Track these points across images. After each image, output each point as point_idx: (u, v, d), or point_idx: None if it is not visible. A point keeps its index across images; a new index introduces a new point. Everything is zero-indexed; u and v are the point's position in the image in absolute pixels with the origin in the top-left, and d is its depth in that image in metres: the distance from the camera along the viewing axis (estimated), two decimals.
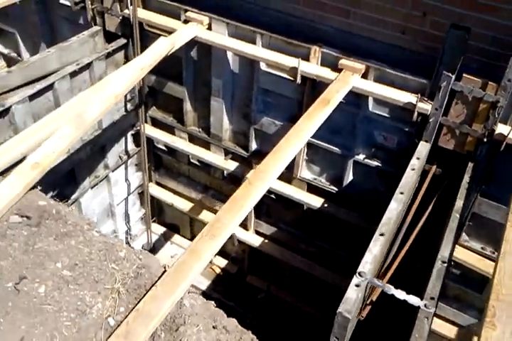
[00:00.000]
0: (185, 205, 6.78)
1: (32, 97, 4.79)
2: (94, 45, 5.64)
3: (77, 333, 2.53)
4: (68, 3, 5.70)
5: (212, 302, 3.15)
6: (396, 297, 3.05)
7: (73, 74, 5.19)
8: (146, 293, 2.78)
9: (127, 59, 5.82)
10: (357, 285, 3.13)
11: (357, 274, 3.20)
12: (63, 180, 5.41)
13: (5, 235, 2.83)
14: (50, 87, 4.97)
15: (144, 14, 5.31)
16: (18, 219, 2.90)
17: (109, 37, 5.75)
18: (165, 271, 2.94)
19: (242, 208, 3.23)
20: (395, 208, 3.74)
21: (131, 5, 5.26)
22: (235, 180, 6.16)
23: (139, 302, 2.72)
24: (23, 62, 5.18)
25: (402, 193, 3.87)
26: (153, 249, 7.15)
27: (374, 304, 3.45)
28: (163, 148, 6.56)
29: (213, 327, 2.77)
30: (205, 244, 2.99)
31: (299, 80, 4.68)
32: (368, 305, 3.39)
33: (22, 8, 6.02)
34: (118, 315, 2.66)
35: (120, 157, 6.32)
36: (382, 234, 3.50)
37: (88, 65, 5.33)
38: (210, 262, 7.14)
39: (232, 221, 3.15)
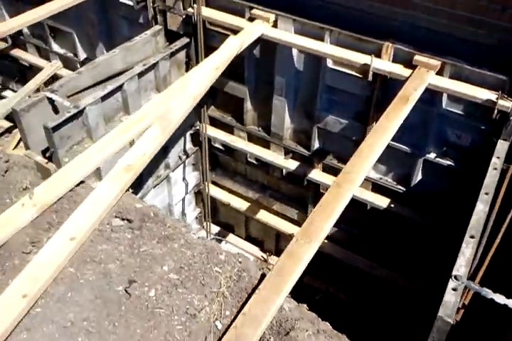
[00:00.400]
0: (241, 204, 6.78)
1: (103, 98, 4.83)
2: (155, 45, 5.66)
3: (189, 337, 2.53)
4: (129, 3, 5.72)
5: (305, 305, 3.13)
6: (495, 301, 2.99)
7: (140, 75, 5.21)
8: (249, 296, 2.77)
9: (189, 58, 5.83)
10: (454, 289, 3.08)
11: (453, 278, 3.15)
12: None
13: (109, 238, 2.85)
14: (119, 87, 5.00)
15: (207, 12, 5.28)
16: (120, 222, 2.92)
17: (170, 36, 5.76)
18: (263, 274, 2.93)
19: (334, 210, 3.20)
20: (481, 209, 3.66)
21: (194, 3, 5.25)
22: (295, 179, 6.13)
23: (243, 305, 2.71)
24: (91, 63, 5.21)
25: (487, 194, 3.79)
26: None
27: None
28: (220, 147, 6.56)
29: (317, 331, 2.74)
30: (301, 247, 2.97)
31: (370, 77, 4.62)
32: (460, 308, 3.32)
33: (80, 8, 6.06)
34: (224, 319, 2.66)
35: (180, 157, 6.35)
36: (472, 237, 3.43)
37: (154, 65, 5.34)
38: (266, 261, 7.14)
39: (325, 223, 3.12)
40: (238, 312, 2.68)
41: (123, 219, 2.95)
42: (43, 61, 7.34)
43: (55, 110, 4.81)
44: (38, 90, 6.82)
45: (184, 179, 6.67)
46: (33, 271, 2.63)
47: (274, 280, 2.81)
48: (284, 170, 6.17)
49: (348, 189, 3.32)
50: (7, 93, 8.08)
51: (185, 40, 5.60)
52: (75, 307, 2.58)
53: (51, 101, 4.73)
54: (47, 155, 4.48)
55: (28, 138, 4.66)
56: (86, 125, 4.73)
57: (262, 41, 5.18)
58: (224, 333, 2.57)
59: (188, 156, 6.48)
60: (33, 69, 7.40)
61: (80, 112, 4.61)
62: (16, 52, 7.51)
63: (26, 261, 2.78)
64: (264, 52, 5.39)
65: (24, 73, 7.76)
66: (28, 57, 7.46)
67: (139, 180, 5.70)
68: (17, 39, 7.38)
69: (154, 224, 2.97)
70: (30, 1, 6.27)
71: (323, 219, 3.13)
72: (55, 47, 7.16)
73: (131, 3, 5.69)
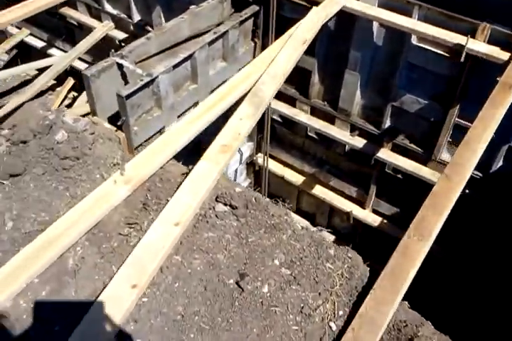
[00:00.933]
0: (296, 178, 6.60)
1: (174, 66, 4.57)
2: (221, 12, 5.34)
3: (304, 338, 2.38)
4: None
5: (406, 302, 2.95)
6: None
7: (209, 43, 4.93)
8: (360, 295, 2.59)
9: (256, 27, 5.51)
10: None
11: None
12: (190, 152, 5.26)
13: (215, 225, 2.67)
14: (190, 56, 4.74)
15: None
16: (223, 208, 2.73)
17: (235, 3, 5.43)
18: (372, 271, 2.75)
19: (446, 205, 2.99)
20: None
21: None
22: (359, 156, 5.88)
23: (354, 305, 2.54)
24: (159, 28, 4.94)
25: None
26: None
27: None
28: (279, 119, 6.31)
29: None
30: (415, 245, 2.77)
31: (463, 58, 4.30)
32: None
33: None
34: (338, 320, 2.49)
35: None
36: None
37: (223, 34, 5.05)
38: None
39: (437, 219, 2.91)
40: (351, 312, 2.50)
41: (225, 205, 2.75)
42: (93, 21, 7.02)
43: (123, 76, 4.58)
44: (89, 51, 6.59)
45: (239, 149, 6.47)
46: (139, 258, 2.46)
47: (388, 279, 2.63)
48: (347, 147, 5.93)
49: (458, 182, 3.09)
50: (53, 51, 7.81)
51: (255, 8, 5.27)
52: (183, 299, 2.42)
53: (120, 67, 4.49)
54: (118, 123, 4.26)
55: (96, 105, 4.44)
56: (156, 94, 4.49)
57: (339, 12, 4.85)
58: (338, 335, 2.41)
59: None
60: (83, 29, 7.11)
61: (152, 80, 4.36)
62: (66, 10, 7.15)
63: (126, 244, 2.62)
64: (341, 24, 5.05)
65: (72, 32, 7.48)
66: (78, 15, 7.13)
67: (197, 152, 5.52)
68: None
69: (258, 212, 2.77)
70: None
71: (436, 215, 2.92)
72: (108, 7, 6.83)
73: None
